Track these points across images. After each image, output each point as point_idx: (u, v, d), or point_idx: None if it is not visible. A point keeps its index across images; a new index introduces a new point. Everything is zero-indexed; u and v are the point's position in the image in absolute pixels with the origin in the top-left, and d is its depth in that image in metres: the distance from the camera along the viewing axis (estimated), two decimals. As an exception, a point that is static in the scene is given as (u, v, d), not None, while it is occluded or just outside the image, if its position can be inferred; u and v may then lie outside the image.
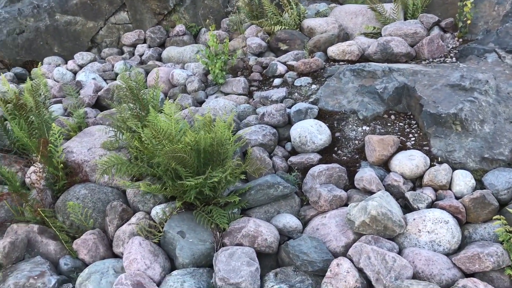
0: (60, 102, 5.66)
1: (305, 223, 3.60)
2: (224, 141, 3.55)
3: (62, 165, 3.79)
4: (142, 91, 4.11)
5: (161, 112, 4.20)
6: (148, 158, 3.66)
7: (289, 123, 4.47)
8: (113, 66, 6.48)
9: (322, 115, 4.52)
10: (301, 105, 4.46)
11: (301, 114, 4.41)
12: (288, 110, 4.53)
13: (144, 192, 3.68)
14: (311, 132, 4.11)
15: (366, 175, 3.61)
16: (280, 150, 4.28)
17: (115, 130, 4.25)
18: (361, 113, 4.41)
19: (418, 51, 5.52)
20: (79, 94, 5.68)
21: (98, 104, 5.66)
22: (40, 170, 3.70)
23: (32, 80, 5.36)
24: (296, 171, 3.97)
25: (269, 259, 3.31)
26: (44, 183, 3.85)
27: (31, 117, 4.27)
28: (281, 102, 4.83)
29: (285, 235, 3.45)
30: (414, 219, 3.28)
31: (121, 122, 4.20)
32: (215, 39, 5.33)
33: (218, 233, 3.40)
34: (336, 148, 4.19)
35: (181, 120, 3.92)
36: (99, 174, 3.59)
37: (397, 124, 4.29)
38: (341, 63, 5.52)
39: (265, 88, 5.34)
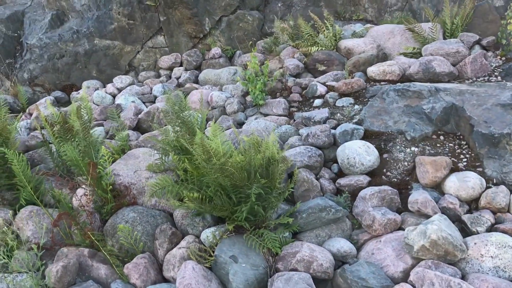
0: (101, 125, 5.73)
1: (358, 248, 3.50)
2: (273, 161, 3.51)
3: (111, 187, 3.79)
4: (186, 113, 4.11)
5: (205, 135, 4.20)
6: (198, 179, 3.64)
7: (334, 144, 4.41)
8: (151, 89, 6.56)
9: (368, 136, 4.44)
10: (347, 126, 4.40)
11: (347, 135, 4.34)
12: (332, 131, 4.47)
13: (193, 215, 3.64)
14: (359, 153, 4.03)
15: (420, 197, 3.51)
16: (327, 172, 4.21)
17: (160, 152, 4.26)
18: (409, 133, 4.32)
19: (461, 70, 5.42)
20: (119, 117, 5.73)
21: (139, 127, 5.71)
22: (90, 193, 3.71)
23: (75, 102, 5.44)
24: (346, 193, 3.88)
25: (323, 285, 3.21)
26: (92, 206, 3.85)
27: (77, 140, 4.32)
28: (324, 123, 4.78)
29: (338, 260, 3.35)
30: (475, 243, 3.15)
31: (166, 145, 4.21)
32: (256, 60, 5.34)
33: (270, 257, 3.33)
34: (385, 170, 4.10)
35: (227, 141, 3.91)
36: (148, 196, 3.58)
37: (446, 145, 4.19)
38: (382, 83, 5.46)
39: (305, 109, 5.30)
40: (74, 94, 6.88)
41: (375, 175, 4.07)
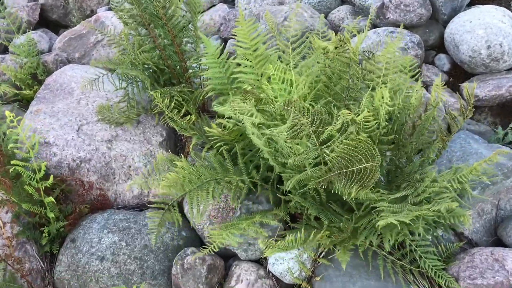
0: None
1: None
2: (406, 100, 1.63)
3: (51, 199, 1.72)
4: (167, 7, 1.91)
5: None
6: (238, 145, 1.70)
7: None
8: None
9: (479, -6, 2.55)
10: (453, -19, 2.42)
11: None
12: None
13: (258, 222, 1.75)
14: (506, 33, 2.16)
15: None
16: (433, 72, 2.37)
17: (124, 79, 2.13)
18: (553, -19, 2.47)
19: None
20: (4, 8, 3.20)
21: (45, 20, 3.31)
22: (12, 222, 1.64)
23: None
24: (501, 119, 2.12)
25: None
26: (15, 236, 1.80)
27: None
28: (389, -23, 2.75)
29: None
30: None
31: (131, 66, 2.07)
32: None
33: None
34: (533, 55, 2.31)
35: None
36: (158, 229, 1.60)
37: None
38: None
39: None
40: None
41: (523, 69, 2.29)
